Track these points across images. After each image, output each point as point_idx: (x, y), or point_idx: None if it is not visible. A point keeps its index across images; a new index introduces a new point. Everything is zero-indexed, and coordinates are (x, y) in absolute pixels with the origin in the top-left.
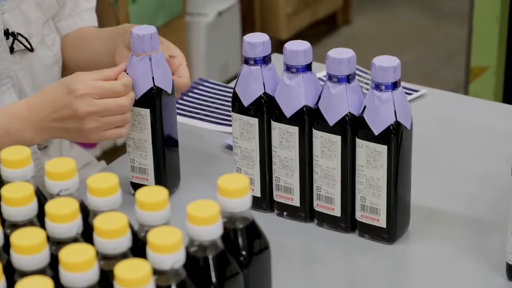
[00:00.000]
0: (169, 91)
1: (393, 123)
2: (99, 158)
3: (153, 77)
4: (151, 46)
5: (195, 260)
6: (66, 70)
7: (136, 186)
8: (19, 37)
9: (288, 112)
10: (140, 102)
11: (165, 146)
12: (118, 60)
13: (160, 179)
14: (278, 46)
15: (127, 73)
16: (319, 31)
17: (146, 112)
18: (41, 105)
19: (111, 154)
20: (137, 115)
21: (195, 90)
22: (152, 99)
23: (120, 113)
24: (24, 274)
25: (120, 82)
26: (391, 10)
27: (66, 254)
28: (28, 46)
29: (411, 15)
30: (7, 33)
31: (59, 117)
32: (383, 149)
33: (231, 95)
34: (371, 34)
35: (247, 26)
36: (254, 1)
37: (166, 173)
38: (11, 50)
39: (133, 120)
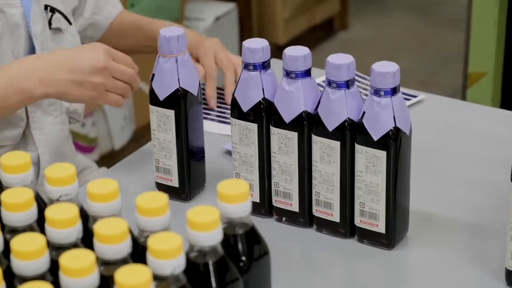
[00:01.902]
0: (195, 93)
1: (392, 128)
2: (97, 163)
3: (178, 79)
4: (178, 48)
5: (195, 265)
6: None
7: (160, 187)
8: (56, 14)
9: (287, 117)
10: (165, 103)
11: (189, 147)
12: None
13: (184, 180)
14: (275, 51)
15: (153, 74)
16: (316, 36)
17: (171, 113)
18: (57, 55)
19: (109, 158)
20: (162, 116)
21: None
22: (177, 100)
23: (126, 80)
24: (24, 279)
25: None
26: (388, 15)
27: (66, 260)
28: (66, 21)
29: (408, 20)
30: (45, 8)
31: (76, 67)
32: (382, 154)
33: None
34: (368, 39)
35: (245, 31)
36: (251, 6)
37: (190, 174)
38: (49, 25)
39: (158, 121)
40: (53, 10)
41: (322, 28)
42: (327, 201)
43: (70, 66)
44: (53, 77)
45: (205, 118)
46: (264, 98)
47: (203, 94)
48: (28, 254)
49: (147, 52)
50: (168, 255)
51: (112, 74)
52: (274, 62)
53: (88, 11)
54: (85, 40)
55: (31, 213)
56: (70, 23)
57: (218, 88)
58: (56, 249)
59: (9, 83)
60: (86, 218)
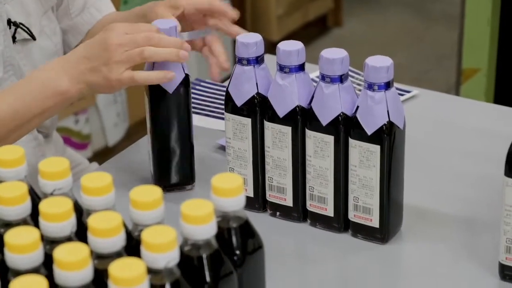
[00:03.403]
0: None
1: (386, 123)
2: (90, 160)
3: (182, 66)
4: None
5: (189, 259)
6: None
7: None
8: (21, 27)
9: (281, 112)
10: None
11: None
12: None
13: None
14: (269, 47)
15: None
16: (310, 33)
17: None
18: (75, 51)
19: (103, 155)
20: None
21: (192, 91)
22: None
23: (155, 44)
24: (18, 273)
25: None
26: (382, 12)
27: (60, 253)
28: (31, 35)
29: (402, 17)
30: (9, 23)
31: (90, 54)
32: (376, 149)
33: None
34: (361, 36)
35: None
36: (245, 2)
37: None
38: (13, 39)
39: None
40: (17, 23)
41: (316, 25)
42: (321, 195)
43: (85, 56)
44: (78, 69)
45: (198, 113)
46: (258, 93)
47: (196, 85)
48: (22, 247)
49: None
50: (162, 248)
51: (129, 47)
52: (268, 58)
53: (76, 9)
54: (65, 49)
55: (25, 207)
56: (34, 39)
57: (210, 83)
58: (50, 242)
59: (43, 87)
60: (80, 212)
